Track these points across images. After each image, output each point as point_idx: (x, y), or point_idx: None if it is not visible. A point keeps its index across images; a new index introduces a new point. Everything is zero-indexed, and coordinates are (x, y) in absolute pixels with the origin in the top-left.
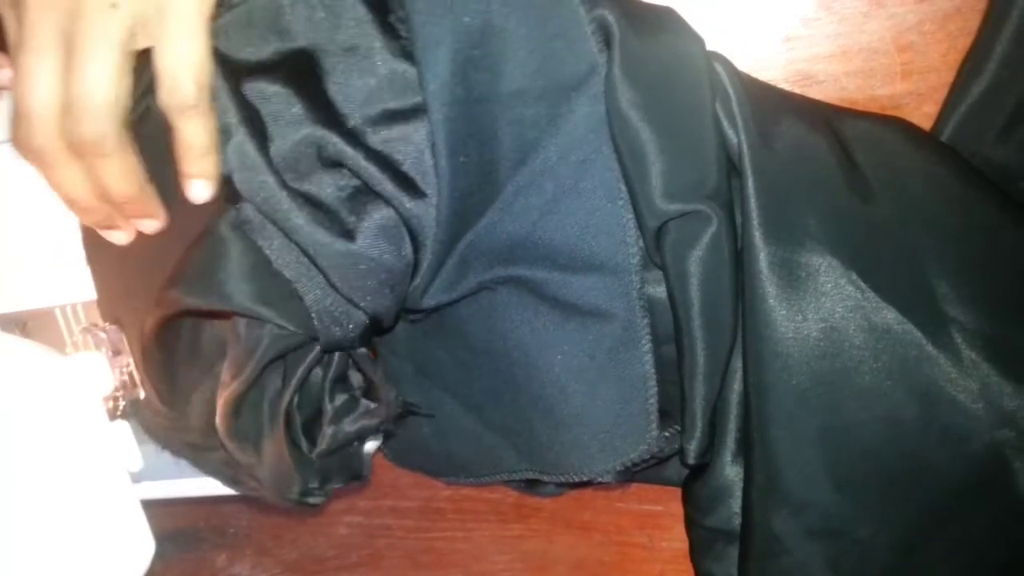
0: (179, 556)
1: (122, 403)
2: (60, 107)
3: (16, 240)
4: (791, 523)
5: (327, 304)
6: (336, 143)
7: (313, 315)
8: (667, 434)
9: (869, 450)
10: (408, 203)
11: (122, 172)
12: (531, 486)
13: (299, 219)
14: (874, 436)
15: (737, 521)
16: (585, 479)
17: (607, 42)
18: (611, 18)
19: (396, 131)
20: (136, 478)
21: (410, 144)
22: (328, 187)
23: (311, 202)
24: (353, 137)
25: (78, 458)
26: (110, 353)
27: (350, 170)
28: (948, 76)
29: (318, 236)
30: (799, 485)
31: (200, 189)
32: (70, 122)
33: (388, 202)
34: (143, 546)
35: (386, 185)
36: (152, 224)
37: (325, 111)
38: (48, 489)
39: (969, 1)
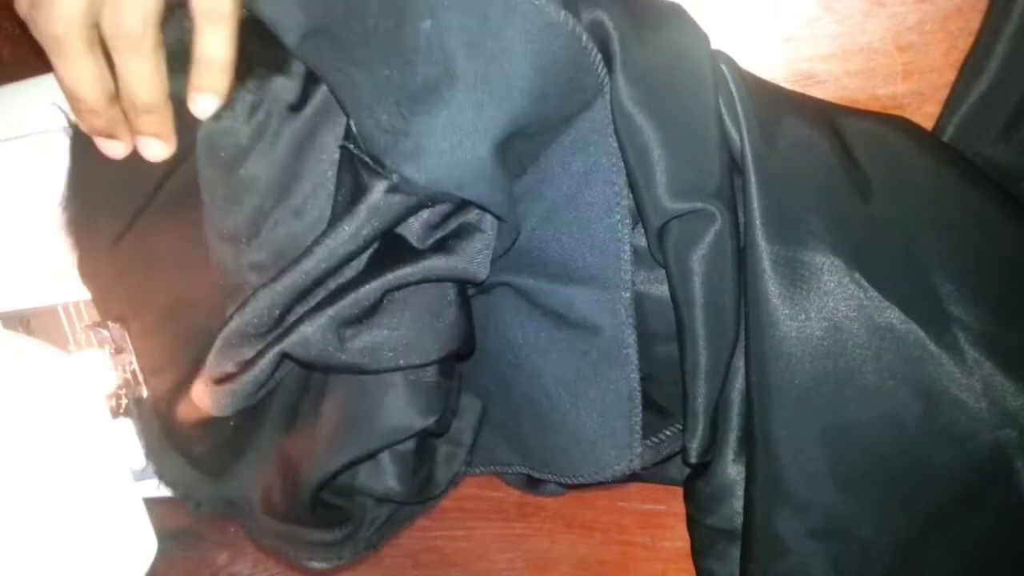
0: (181, 554)
1: (125, 401)
2: None
3: (18, 238)
4: (793, 523)
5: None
6: (400, 276)
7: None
8: (668, 433)
9: (871, 450)
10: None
11: (151, 76)
12: (532, 485)
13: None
14: (877, 436)
15: (739, 520)
16: (573, 483)
17: (605, 44)
18: (609, 21)
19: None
20: (138, 476)
21: (458, 219)
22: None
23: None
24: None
25: (81, 456)
26: (113, 351)
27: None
28: (949, 76)
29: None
30: (801, 485)
31: (207, 104)
32: (110, 13)
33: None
34: (145, 544)
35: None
36: (160, 148)
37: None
38: (50, 487)
39: (970, 0)
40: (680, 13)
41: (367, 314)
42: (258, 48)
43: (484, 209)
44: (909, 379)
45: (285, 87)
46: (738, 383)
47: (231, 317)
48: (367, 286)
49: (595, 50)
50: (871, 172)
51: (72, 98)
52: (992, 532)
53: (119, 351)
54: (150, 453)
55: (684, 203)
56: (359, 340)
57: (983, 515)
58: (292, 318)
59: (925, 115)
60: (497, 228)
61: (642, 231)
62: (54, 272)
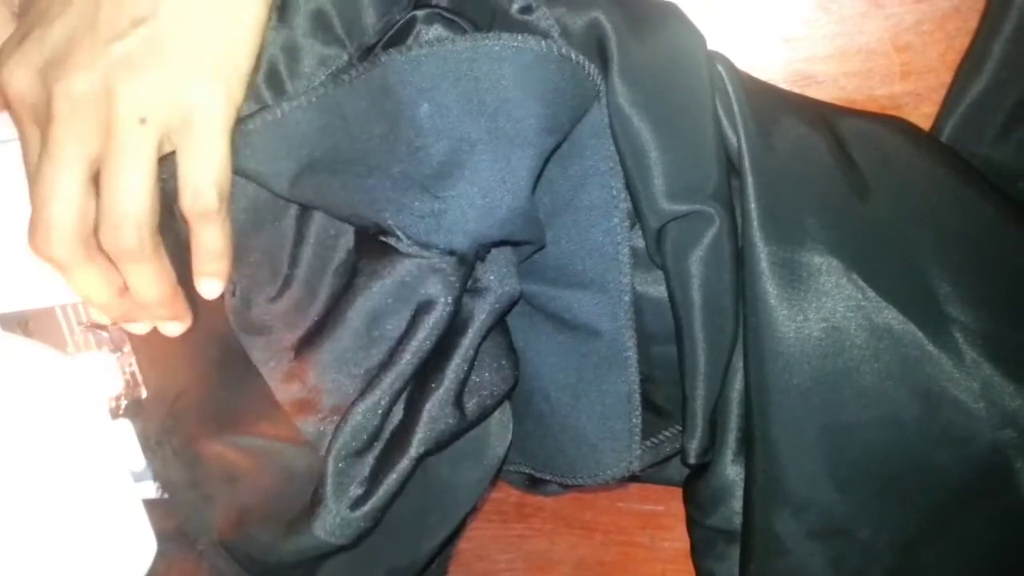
0: (180, 555)
1: (124, 402)
2: (80, 217)
3: (17, 239)
4: (792, 523)
5: None
6: (482, 326)
7: None
8: (668, 433)
9: (870, 450)
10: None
11: (156, 277)
12: (533, 485)
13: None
14: (875, 436)
15: (738, 521)
16: (573, 483)
17: (603, 45)
18: (607, 22)
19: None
20: (138, 477)
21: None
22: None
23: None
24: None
25: (80, 457)
26: (112, 352)
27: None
28: (946, 76)
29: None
30: (800, 485)
31: (212, 287)
32: (108, 233)
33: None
34: (144, 545)
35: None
36: (177, 327)
37: None
38: (49, 488)
39: (967, 1)
40: (677, 13)
41: (468, 375)
42: None
43: (527, 243)
44: (908, 380)
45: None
46: (737, 384)
47: (332, 444)
48: (461, 350)
49: (587, 62)
50: (868, 173)
51: (84, 299)
52: (991, 533)
53: (117, 352)
54: None
55: (682, 205)
56: (471, 401)
57: (982, 516)
58: (395, 418)
59: (922, 115)
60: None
61: (639, 232)
62: (53, 273)
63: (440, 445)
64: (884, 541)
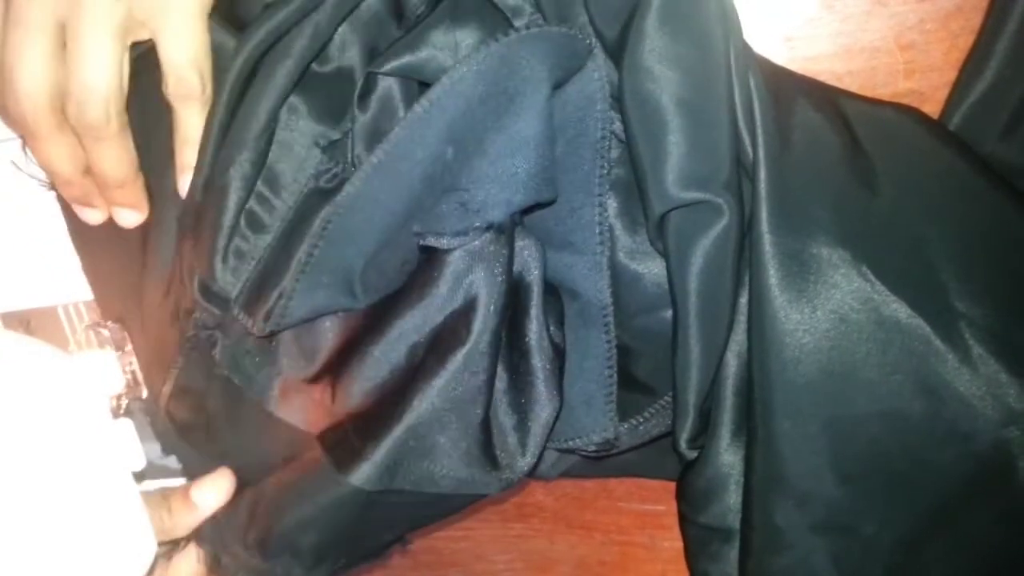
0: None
1: (125, 401)
2: (50, 85)
3: (18, 238)
4: (795, 516)
5: None
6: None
7: None
8: (653, 409)
9: (875, 444)
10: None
11: (118, 157)
12: None
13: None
14: (880, 430)
15: (732, 518)
16: (551, 448)
17: None
18: None
19: None
20: (138, 477)
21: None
22: None
23: None
24: None
25: (80, 456)
26: (113, 351)
27: None
28: (950, 75)
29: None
30: (804, 478)
31: (188, 180)
32: (73, 106)
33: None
34: (144, 545)
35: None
36: (133, 216)
37: None
38: (50, 487)
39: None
40: None
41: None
42: None
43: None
44: (914, 374)
45: None
46: (731, 371)
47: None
48: (536, 300)
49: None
50: (880, 164)
51: (48, 172)
52: (994, 531)
53: (119, 351)
54: None
55: (694, 193)
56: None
57: (985, 514)
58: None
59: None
60: None
61: (632, 200)
62: (54, 272)
63: (559, 376)
64: (887, 538)
